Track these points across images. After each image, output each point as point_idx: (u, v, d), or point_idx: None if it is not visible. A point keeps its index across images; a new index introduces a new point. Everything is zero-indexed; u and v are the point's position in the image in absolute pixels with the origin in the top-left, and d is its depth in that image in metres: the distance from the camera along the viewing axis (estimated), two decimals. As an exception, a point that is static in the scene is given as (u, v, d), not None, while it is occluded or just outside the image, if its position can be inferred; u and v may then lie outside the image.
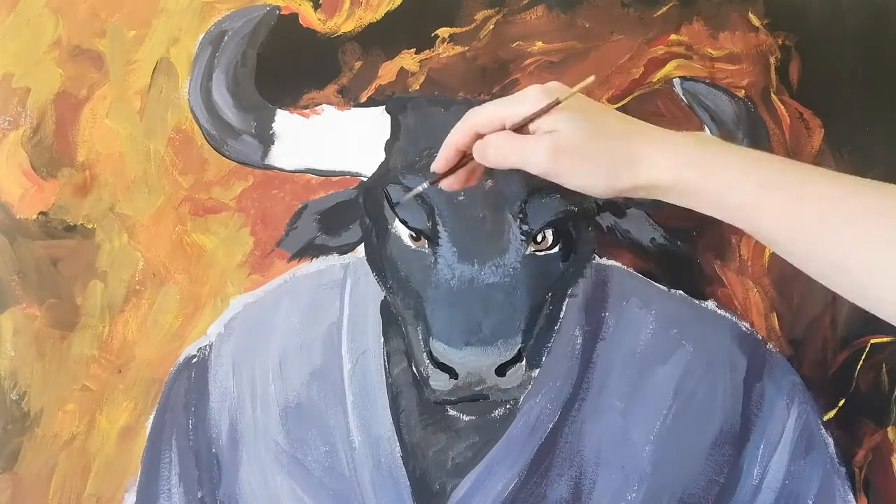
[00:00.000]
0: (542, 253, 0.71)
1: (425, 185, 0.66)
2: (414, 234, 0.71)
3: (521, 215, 0.70)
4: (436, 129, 0.73)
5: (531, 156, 0.58)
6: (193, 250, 0.77)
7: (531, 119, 0.59)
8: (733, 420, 0.76)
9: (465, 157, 0.63)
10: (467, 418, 0.75)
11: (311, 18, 0.77)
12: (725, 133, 0.75)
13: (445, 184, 0.65)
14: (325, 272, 0.77)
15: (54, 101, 0.77)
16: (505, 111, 0.60)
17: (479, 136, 0.61)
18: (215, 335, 0.77)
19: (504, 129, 0.60)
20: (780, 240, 0.55)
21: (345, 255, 0.77)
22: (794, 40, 0.78)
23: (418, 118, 0.74)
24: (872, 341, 0.78)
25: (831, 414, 0.78)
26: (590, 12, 0.78)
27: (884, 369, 0.79)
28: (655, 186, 0.57)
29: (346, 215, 0.76)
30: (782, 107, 0.78)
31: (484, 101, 0.74)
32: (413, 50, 0.76)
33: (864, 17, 0.79)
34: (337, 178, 0.76)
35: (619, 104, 0.77)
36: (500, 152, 0.59)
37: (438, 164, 0.64)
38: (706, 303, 0.78)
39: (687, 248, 0.77)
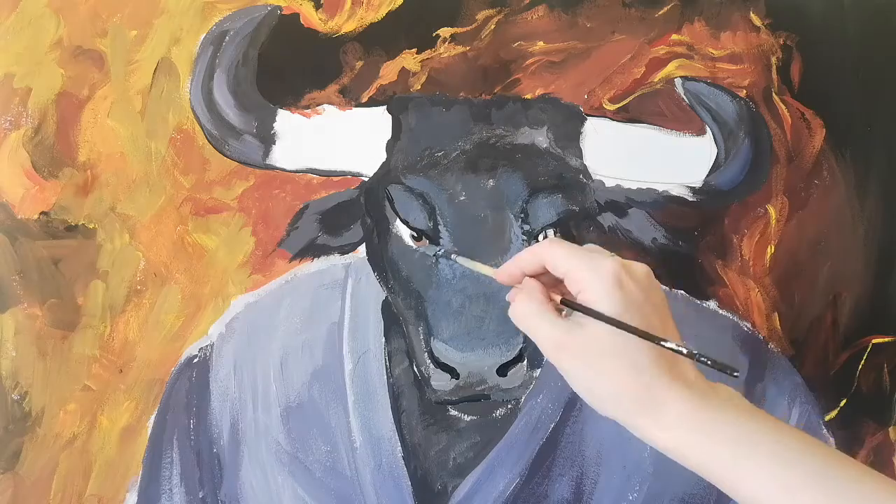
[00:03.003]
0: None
1: (454, 256, 0.66)
2: (415, 234, 0.71)
3: (522, 215, 0.70)
4: (437, 129, 0.73)
5: (540, 338, 0.54)
6: (195, 250, 0.77)
7: (579, 309, 0.53)
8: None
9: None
10: (469, 418, 0.75)
11: (312, 18, 0.77)
12: (727, 133, 0.75)
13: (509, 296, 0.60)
14: (327, 272, 0.77)
15: (56, 101, 0.77)
16: (574, 265, 0.54)
17: (544, 268, 0.57)
18: (216, 335, 0.77)
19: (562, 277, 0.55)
20: None
21: (346, 255, 0.77)
22: (796, 40, 0.78)
23: (419, 118, 0.74)
24: (874, 341, 0.78)
25: (833, 414, 0.78)
26: (591, 12, 0.77)
27: (885, 369, 0.79)
28: (652, 442, 0.52)
29: (348, 215, 0.76)
30: (784, 107, 0.78)
31: (485, 101, 0.75)
32: (414, 50, 0.76)
33: (866, 17, 0.79)
34: (338, 178, 0.76)
35: (621, 104, 0.77)
36: (517, 311, 0.56)
37: (500, 276, 0.60)
38: (708, 303, 0.78)
39: (688, 248, 0.77)
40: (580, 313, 0.54)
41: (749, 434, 0.50)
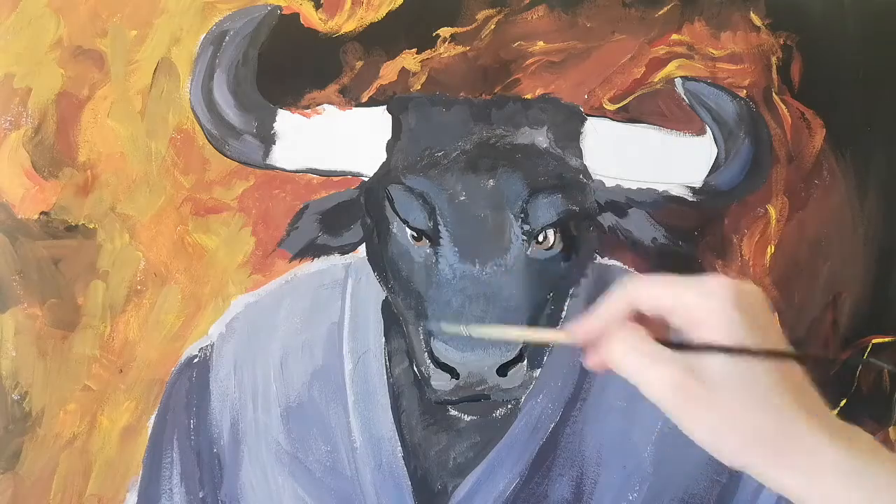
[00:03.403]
0: (544, 253, 0.71)
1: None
2: (415, 234, 0.71)
3: (522, 215, 0.70)
4: (437, 129, 0.73)
5: (650, 384, 0.46)
6: (195, 250, 0.77)
7: (696, 349, 0.45)
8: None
9: None
10: (469, 418, 0.75)
11: (312, 18, 0.77)
12: (727, 133, 0.75)
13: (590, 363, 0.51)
14: (327, 272, 0.77)
15: (56, 101, 0.77)
16: (676, 293, 0.47)
17: (637, 312, 0.48)
18: (217, 335, 0.77)
19: (664, 314, 0.47)
20: None
21: (346, 255, 0.77)
22: (796, 40, 0.78)
23: (420, 118, 0.74)
24: (874, 341, 0.78)
25: (833, 414, 0.78)
26: (591, 12, 0.77)
27: (885, 369, 0.79)
28: (797, 496, 0.44)
29: (348, 215, 0.76)
30: (784, 107, 0.78)
31: (485, 101, 0.75)
32: (414, 50, 0.76)
33: (866, 17, 0.79)
34: (338, 178, 0.76)
35: (621, 104, 0.77)
36: (617, 353, 0.47)
37: (580, 334, 0.50)
38: (707, 303, 0.78)
39: (688, 248, 0.77)
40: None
41: (880, 478, 0.43)
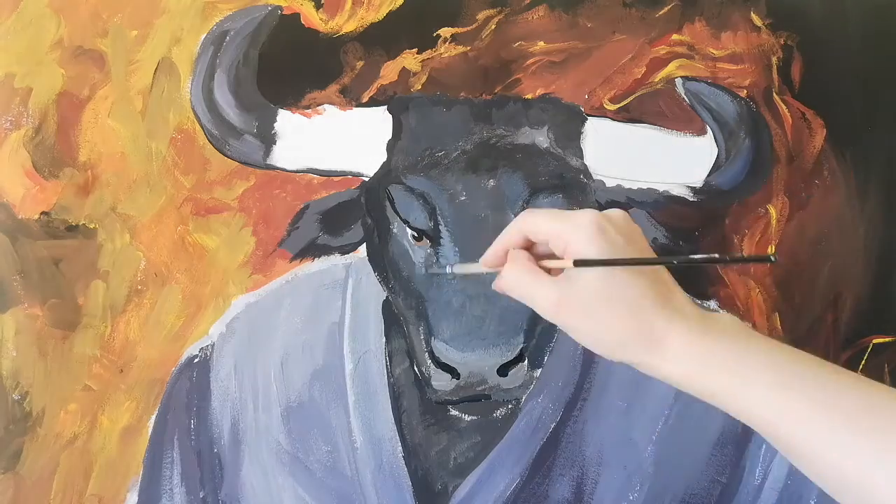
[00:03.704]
0: (544, 253, 0.71)
1: (450, 268, 0.65)
2: (416, 234, 0.71)
3: (523, 215, 0.70)
4: (437, 129, 0.73)
5: (538, 300, 0.55)
6: (195, 250, 0.77)
7: (566, 265, 0.54)
8: (735, 420, 0.75)
9: None
10: (469, 418, 0.75)
11: (312, 18, 0.77)
12: (727, 133, 0.75)
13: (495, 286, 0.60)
14: (327, 272, 0.77)
15: (56, 101, 0.77)
16: (556, 227, 0.55)
17: (530, 242, 0.58)
18: (217, 335, 0.77)
19: (547, 243, 0.56)
20: (794, 446, 0.50)
21: (347, 255, 0.77)
22: (796, 40, 0.78)
23: (420, 118, 0.74)
24: (875, 341, 0.78)
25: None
26: (592, 12, 0.77)
27: (886, 369, 0.79)
28: (663, 376, 0.53)
29: (348, 215, 0.76)
30: (784, 107, 0.78)
31: (485, 101, 0.75)
32: (415, 50, 0.76)
33: (866, 17, 0.79)
34: (339, 178, 0.76)
35: (621, 104, 0.77)
36: (509, 283, 0.57)
37: (487, 259, 0.59)
38: (708, 303, 0.78)
39: (689, 248, 0.77)
40: (565, 270, 0.55)
41: (746, 358, 0.51)
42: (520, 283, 0.56)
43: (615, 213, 0.56)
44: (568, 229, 0.54)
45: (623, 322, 0.52)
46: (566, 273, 0.54)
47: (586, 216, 0.54)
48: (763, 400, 0.50)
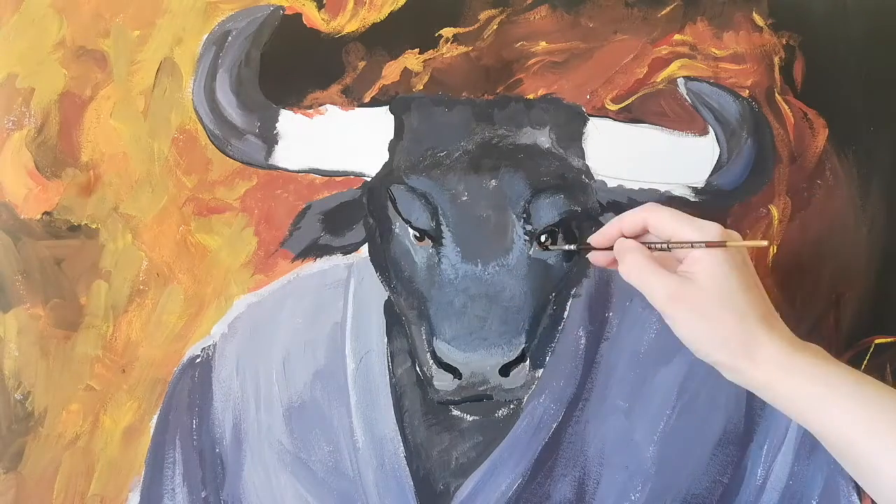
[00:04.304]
0: (546, 253, 0.71)
1: (574, 247, 0.70)
2: (418, 234, 0.71)
3: (524, 215, 0.70)
4: (439, 129, 0.73)
5: (651, 290, 0.59)
6: (197, 250, 0.77)
7: (682, 245, 0.60)
8: (737, 420, 0.76)
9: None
10: (471, 418, 0.75)
11: (314, 18, 0.77)
12: (729, 133, 0.75)
13: (593, 258, 0.67)
14: (329, 272, 0.77)
15: (58, 101, 0.77)
16: (678, 227, 0.60)
17: (645, 230, 0.63)
18: (219, 335, 0.77)
19: (667, 239, 0.61)
20: (867, 465, 0.55)
21: (348, 255, 0.77)
22: (799, 40, 0.78)
23: (422, 118, 0.74)
24: (877, 341, 0.78)
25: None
26: (594, 12, 0.77)
27: (888, 369, 0.79)
28: (747, 381, 0.59)
29: (350, 215, 0.76)
30: (786, 107, 0.78)
31: (487, 101, 0.75)
32: (417, 50, 0.76)
33: (869, 17, 0.79)
34: (341, 179, 0.76)
35: (623, 104, 0.77)
36: (628, 267, 0.61)
37: (597, 239, 0.65)
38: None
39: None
40: (686, 264, 0.60)
41: (833, 377, 0.56)
42: (642, 271, 0.60)
43: (735, 233, 0.61)
44: (693, 236, 0.59)
45: (729, 325, 0.57)
46: (684, 270, 0.59)
47: (713, 227, 0.60)
48: (843, 415, 0.55)
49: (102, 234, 0.77)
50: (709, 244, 0.59)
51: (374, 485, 0.75)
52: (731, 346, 0.57)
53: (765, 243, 0.65)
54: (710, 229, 0.59)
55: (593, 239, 0.65)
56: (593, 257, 0.66)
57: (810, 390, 0.56)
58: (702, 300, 0.58)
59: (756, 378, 0.57)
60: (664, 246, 0.61)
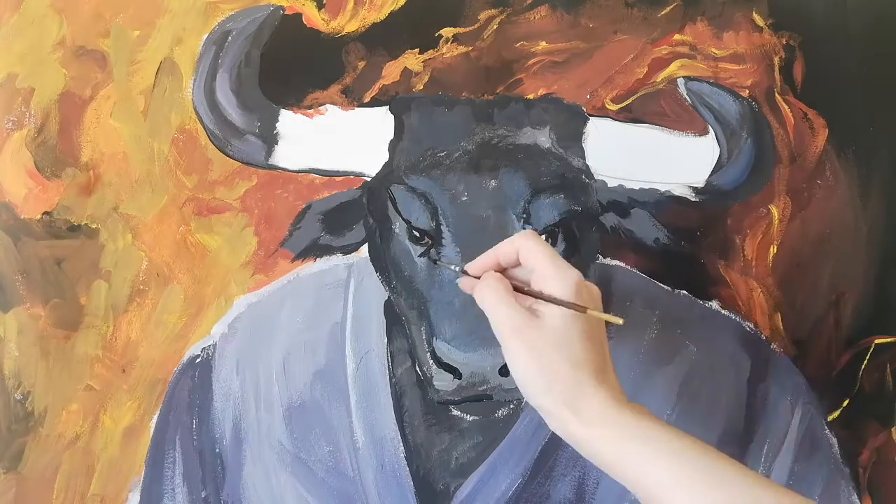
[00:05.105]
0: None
1: (457, 268, 0.66)
2: (418, 235, 0.71)
3: (524, 215, 0.70)
4: (439, 130, 0.73)
5: (498, 319, 0.59)
6: (197, 250, 0.77)
7: (542, 298, 0.59)
8: (737, 420, 0.76)
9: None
10: (471, 418, 0.75)
11: (314, 18, 0.77)
12: (729, 133, 0.75)
13: (461, 284, 0.66)
14: (329, 272, 0.77)
15: (58, 101, 0.77)
16: (542, 264, 0.59)
17: (517, 262, 0.62)
18: (219, 335, 0.77)
19: (531, 269, 0.60)
20: None
21: (348, 255, 0.77)
22: (799, 40, 0.78)
23: (422, 118, 0.74)
24: (877, 341, 0.78)
25: (835, 414, 0.78)
26: (594, 12, 0.77)
27: (888, 369, 0.79)
28: (568, 434, 0.58)
29: (350, 215, 0.76)
30: (786, 107, 0.78)
31: (487, 101, 0.75)
32: (417, 50, 0.76)
33: (869, 17, 0.79)
34: (341, 178, 0.76)
35: (623, 104, 0.77)
36: (482, 292, 0.60)
37: (475, 266, 0.63)
38: (710, 303, 0.78)
39: (691, 249, 0.77)
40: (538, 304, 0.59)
41: (651, 432, 0.56)
42: (493, 299, 0.59)
43: (595, 288, 0.61)
44: (553, 276, 0.59)
45: (561, 372, 0.56)
46: (534, 307, 0.58)
47: (574, 275, 0.59)
48: (655, 469, 0.54)
49: (102, 234, 0.77)
50: (571, 306, 0.57)
51: (374, 485, 0.75)
52: (556, 392, 0.56)
53: (621, 321, 0.59)
54: (570, 276, 0.58)
55: (469, 266, 0.64)
56: (461, 284, 0.65)
57: (629, 444, 0.55)
58: (541, 341, 0.57)
59: (576, 433, 0.57)
60: (529, 291, 0.60)
